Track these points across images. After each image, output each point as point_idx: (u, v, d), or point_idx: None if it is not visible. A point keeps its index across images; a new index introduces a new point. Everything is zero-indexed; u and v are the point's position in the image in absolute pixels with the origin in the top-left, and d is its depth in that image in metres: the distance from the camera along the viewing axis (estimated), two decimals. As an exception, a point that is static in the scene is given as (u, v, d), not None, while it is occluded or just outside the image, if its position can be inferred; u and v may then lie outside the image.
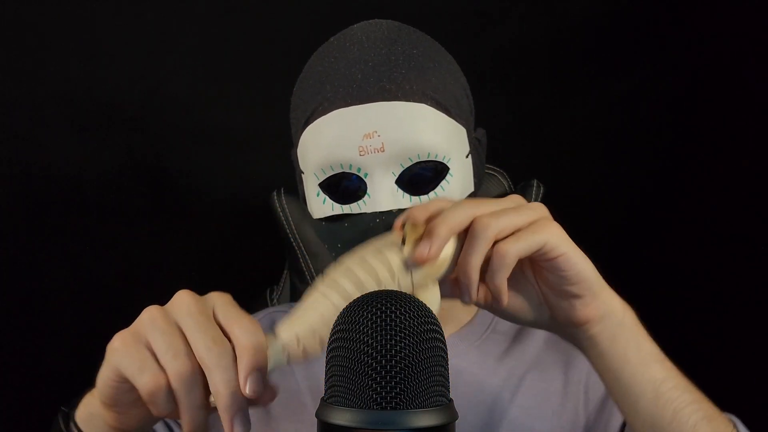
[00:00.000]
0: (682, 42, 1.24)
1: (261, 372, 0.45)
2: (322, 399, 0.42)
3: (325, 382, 0.43)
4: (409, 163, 0.65)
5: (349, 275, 0.50)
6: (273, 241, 1.05)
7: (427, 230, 0.50)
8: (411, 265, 0.50)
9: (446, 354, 0.43)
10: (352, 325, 0.41)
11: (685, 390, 0.55)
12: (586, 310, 0.54)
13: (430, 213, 0.51)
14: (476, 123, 0.75)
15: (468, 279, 0.50)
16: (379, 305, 0.41)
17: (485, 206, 0.51)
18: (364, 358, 0.40)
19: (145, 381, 0.45)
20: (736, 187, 1.21)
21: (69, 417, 0.56)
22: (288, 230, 1.01)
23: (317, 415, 0.41)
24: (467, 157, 0.70)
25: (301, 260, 1.01)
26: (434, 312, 0.50)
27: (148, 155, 1.21)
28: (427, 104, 0.65)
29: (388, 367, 0.39)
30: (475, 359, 0.76)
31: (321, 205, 0.67)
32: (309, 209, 0.71)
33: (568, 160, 1.29)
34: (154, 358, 0.46)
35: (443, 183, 0.66)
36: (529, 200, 1.00)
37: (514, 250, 0.49)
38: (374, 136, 0.63)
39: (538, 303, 0.56)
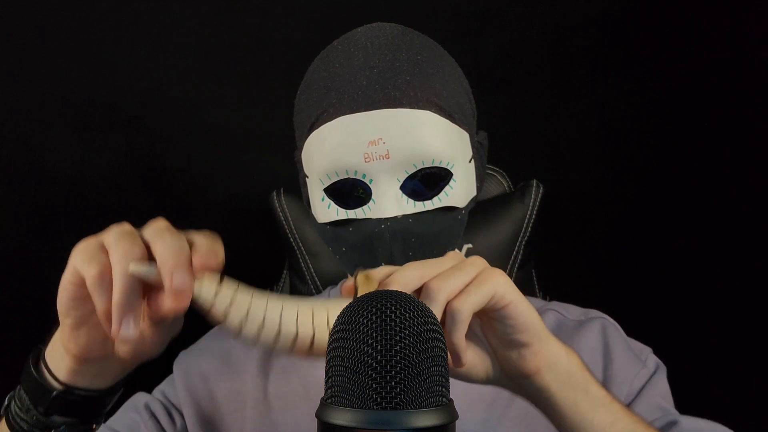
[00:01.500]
0: (682, 41, 1.25)
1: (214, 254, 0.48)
2: (322, 399, 0.42)
3: (325, 382, 0.43)
4: (414, 170, 0.65)
5: (294, 305, 0.50)
6: (273, 241, 1.05)
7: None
8: None
9: (446, 354, 0.43)
10: (352, 325, 0.41)
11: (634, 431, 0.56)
12: (535, 360, 0.54)
13: (382, 275, 0.52)
14: (477, 125, 0.75)
15: None
16: (379, 305, 0.41)
17: (431, 268, 0.51)
18: (364, 358, 0.40)
19: (92, 269, 0.48)
20: (736, 186, 1.22)
21: (40, 353, 0.57)
22: (288, 230, 1.01)
23: (317, 415, 0.41)
24: (470, 161, 0.70)
25: (300, 260, 1.01)
26: None
27: (148, 155, 1.21)
28: (431, 111, 0.66)
29: (388, 367, 0.39)
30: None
31: (326, 210, 0.68)
32: (313, 213, 0.71)
33: (568, 160, 1.30)
34: (105, 254, 0.48)
35: (447, 188, 0.67)
36: (528, 201, 1.00)
37: (467, 306, 0.49)
38: (379, 143, 0.64)
39: (489, 359, 0.56)
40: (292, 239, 1.01)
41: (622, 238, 1.32)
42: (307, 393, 0.75)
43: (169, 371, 0.79)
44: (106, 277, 0.47)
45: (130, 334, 0.47)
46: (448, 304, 0.50)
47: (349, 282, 0.52)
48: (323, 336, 0.49)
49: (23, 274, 1.19)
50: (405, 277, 0.50)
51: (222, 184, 1.24)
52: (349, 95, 0.65)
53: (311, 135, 0.67)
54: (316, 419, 0.41)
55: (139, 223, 1.29)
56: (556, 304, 0.82)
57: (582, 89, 1.27)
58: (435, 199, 0.67)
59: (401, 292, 0.44)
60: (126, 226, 0.50)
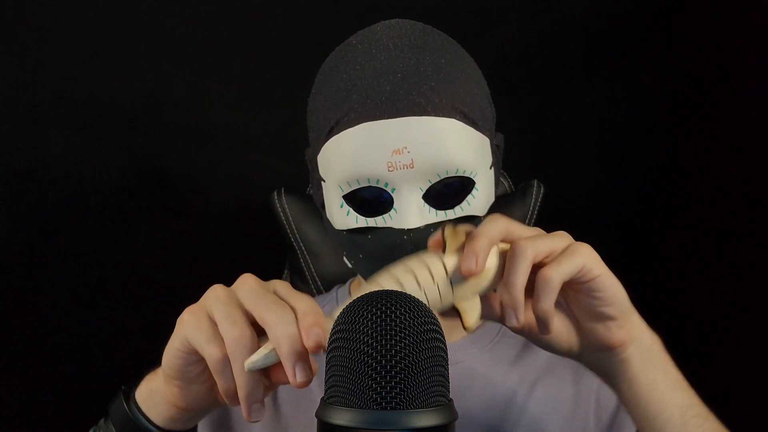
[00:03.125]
0: (682, 42, 1.24)
1: (321, 328, 0.47)
2: (322, 399, 0.42)
3: (325, 382, 0.43)
4: (437, 179, 0.64)
5: (392, 279, 0.52)
6: (273, 241, 1.05)
7: (468, 243, 0.51)
8: (456, 277, 0.52)
9: (446, 354, 0.43)
10: (352, 325, 0.41)
11: (707, 418, 0.56)
12: (620, 333, 0.55)
13: (467, 227, 0.53)
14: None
15: (514, 300, 0.51)
16: (379, 305, 0.41)
17: (517, 226, 0.53)
18: (364, 358, 0.40)
19: (212, 351, 0.48)
20: (736, 186, 1.21)
21: (129, 395, 0.58)
22: (288, 230, 1.01)
23: (317, 415, 0.41)
24: (490, 168, 0.70)
25: (301, 260, 1.01)
26: (474, 325, 0.52)
27: (148, 155, 1.21)
28: (455, 119, 0.64)
29: (388, 367, 0.39)
30: (488, 362, 0.76)
31: (344, 217, 0.67)
32: (329, 217, 0.70)
33: (568, 160, 1.29)
34: (218, 331, 0.49)
35: (469, 197, 0.67)
36: (529, 201, 1.00)
37: (558, 274, 0.50)
38: (404, 152, 0.63)
39: (572, 330, 0.57)
40: (292, 239, 1.01)
41: (622, 238, 1.32)
42: (318, 391, 0.75)
43: None
44: (226, 361, 0.49)
45: (260, 417, 0.50)
46: (539, 271, 0.51)
47: (437, 236, 0.53)
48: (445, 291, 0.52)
49: (23, 274, 1.19)
50: (492, 228, 0.51)
51: (222, 184, 1.24)
52: (372, 100, 0.63)
53: (330, 139, 0.65)
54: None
55: (138, 223, 1.29)
56: None
57: (582, 89, 1.27)
58: (457, 208, 0.66)
59: (401, 292, 0.44)
60: (223, 295, 0.51)
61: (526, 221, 1.00)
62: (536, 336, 0.56)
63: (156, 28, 1.16)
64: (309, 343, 0.46)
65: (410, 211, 0.64)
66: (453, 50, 0.69)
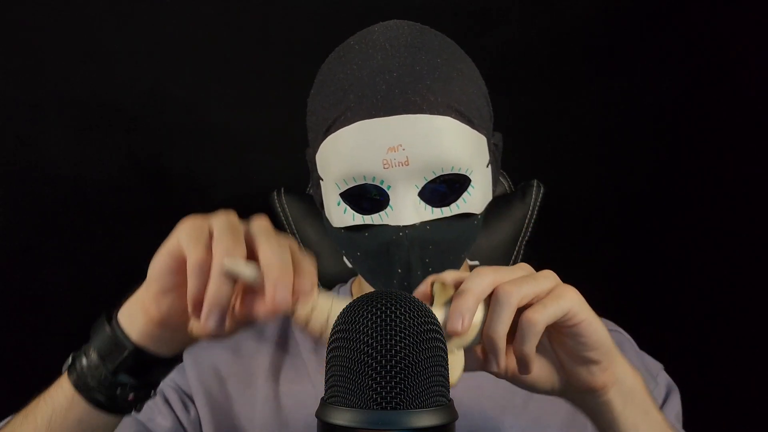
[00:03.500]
0: (681, 42, 1.24)
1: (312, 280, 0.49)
2: (322, 399, 0.42)
3: (325, 382, 0.43)
4: (433, 177, 0.65)
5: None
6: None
7: (455, 300, 0.50)
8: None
9: (446, 354, 0.43)
10: (352, 325, 0.41)
11: None
12: (603, 376, 0.54)
13: (455, 278, 0.52)
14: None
15: (495, 347, 0.51)
16: (379, 305, 0.41)
17: (504, 274, 0.52)
18: (364, 358, 0.40)
19: (196, 252, 0.49)
20: (736, 186, 1.21)
21: (111, 315, 0.58)
22: (288, 230, 1.01)
23: (317, 415, 0.41)
24: (487, 166, 0.70)
25: (301, 260, 1.01)
26: (456, 381, 0.51)
27: (148, 155, 1.21)
28: (451, 117, 0.65)
29: (388, 367, 0.39)
30: None
31: (342, 215, 0.67)
32: (327, 216, 0.71)
33: (568, 160, 1.29)
34: (210, 239, 0.49)
35: (465, 195, 0.67)
36: (529, 200, 1.00)
37: (542, 318, 0.50)
38: (399, 150, 0.63)
39: (555, 370, 0.56)
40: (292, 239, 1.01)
41: (622, 238, 1.32)
42: (318, 394, 0.75)
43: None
44: (206, 264, 0.48)
45: (214, 328, 0.48)
46: (523, 314, 0.50)
47: (423, 288, 0.53)
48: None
49: (23, 274, 1.19)
50: (479, 284, 0.50)
51: (223, 184, 1.24)
52: (368, 99, 0.64)
53: (327, 138, 0.66)
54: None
55: (138, 223, 1.29)
56: None
57: (582, 89, 1.27)
58: (453, 205, 0.66)
59: (401, 292, 0.44)
60: (233, 218, 0.51)
61: (526, 221, 1.00)
62: (517, 377, 0.55)
63: (156, 28, 1.16)
64: (297, 283, 0.48)
65: (406, 209, 0.65)
66: (450, 50, 0.69)
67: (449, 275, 0.52)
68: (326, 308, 0.50)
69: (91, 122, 1.17)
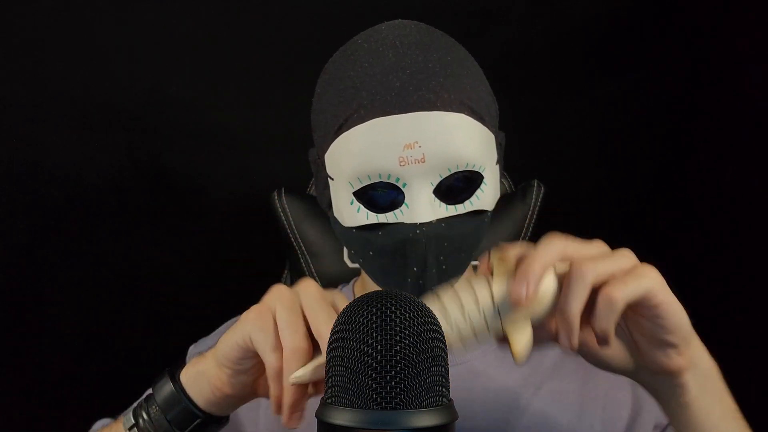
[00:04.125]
0: (681, 42, 1.24)
1: None
2: (322, 399, 0.42)
3: (325, 382, 0.42)
4: (448, 174, 0.64)
5: (437, 302, 0.51)
6: (273, 241, 1.05)
7: (520, 267, 0.50)
8: (505, 304, 0.51)
9: (446, 354, 0.43)
10: (352, 325, 0.41)
11: None
12: (679, 359, 0.53)
13: (518, 251, 0.52)
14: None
15: (570, 325, 0.50)
16: (378, 305, 0.41)
17: (576, 246, 0.51)
18: (364, 358, 0.40)
19: (272, 359, 0.52)
20: (736, 186, 1.21)
21: (174, 375, 0.60)
22: (288, 230, 1.01)
23: (317, 415, 0.41)
24: (497, 163, 0.70)
25: (301, 260, 1.01)
26: (523, 353, 0.50)
27: (148, 155, 1.21)
28: (464, 113, 0.65)
29: (388, 367, 0.39)
30: (493, 362, 0.76)
31: (355, 214, 0.67)
32: (337, 216, 0.70)
33: (569, 160, 1.29)
34: (276, 333, 0.52)
35: (478, 192, 0.67)
36: (529, 200, 1.00)
37: (622, 296, 0.49)
38: (415, 147, 0.63)
39: (628, 350, 0.56)
40: (292, 239, 1.01)
41: (622, 238, 1.32)
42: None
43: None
44: (281, 370, 0.52)
45: (295, 426, 0.52)
46: (602, 290, 0.49)
47: (484, 262, 0.53)
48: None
49: (23, 274, 1.19)
50: (547, 251, 0.50)
51: (222, 184, 1.24)
52: (381, 96, 0.63)
53: (339, 137, 0.66)
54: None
55: (138, 223, 1.29)
56: None
57: (583, 89, 1.27)
58: (467, 202, 0.66)
59: (401, 292, 0.44)
60: (287, 298, 0.53)
61: (526, 221, 1.00)
62: (591, 353, 0.55)
63: (156, 28, 1.16)
64: None
65: (422, 206, 0.64)
66: (457, 48, 0.69)
67: (510, 248, 0.52)
68: (441, 305, 0.51)
69: (91, 122, 1.17)
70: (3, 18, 1.11)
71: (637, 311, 0.51)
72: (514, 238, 0.99)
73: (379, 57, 0.65)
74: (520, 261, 0.51)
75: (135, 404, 0.60)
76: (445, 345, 0.43)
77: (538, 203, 1.00)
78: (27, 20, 1.12)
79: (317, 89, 0.71)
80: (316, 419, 0.42)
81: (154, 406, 0.58)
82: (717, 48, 1.22)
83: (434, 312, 0.48)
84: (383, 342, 0.40)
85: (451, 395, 0.43)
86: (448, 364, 0.43)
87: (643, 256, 0.50)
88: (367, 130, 0.64)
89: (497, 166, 0.70)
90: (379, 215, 0.66)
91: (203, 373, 0.57)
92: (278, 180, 1.03)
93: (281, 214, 1.01)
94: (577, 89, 1.27)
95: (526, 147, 1.24)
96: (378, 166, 0.64)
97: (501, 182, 1.06)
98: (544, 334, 0.53)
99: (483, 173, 0.66)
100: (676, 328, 0.51)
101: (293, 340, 0.51)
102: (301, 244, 1.01)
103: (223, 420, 0.60)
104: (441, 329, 0.44)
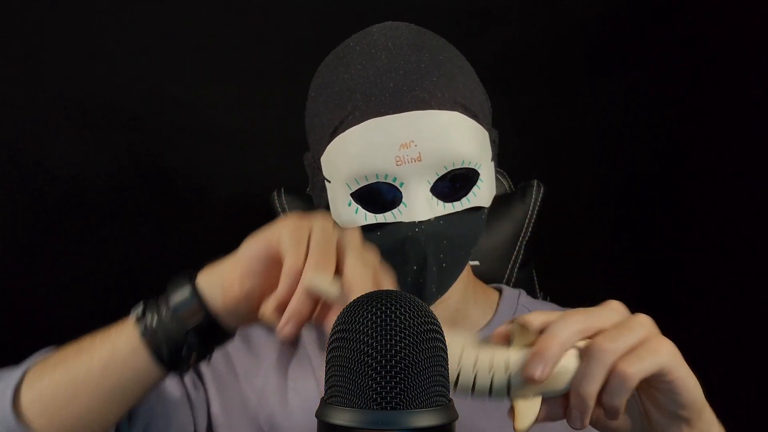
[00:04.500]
0: (681, 42, 1.24)
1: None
2: (322, 399, 0.42)
3: (325, 382, 0.43)
4: (444, 171, 0.65)
5: (457, 342, 0.50)
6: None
7: (539, 344, 0.49)
8: (517, 377, 0.49)
9: (446, 354, 0.43)
10: (351, 325, 0.41)
11: None
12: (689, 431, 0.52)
13: (541, 322, 0.50)
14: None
15: (584, 406, 0.49)
16: (378, 305, 0.41)
17: (595, 319, 0.50)
18: (364, 358, 0.40)
19: (295, 258, 0.52)
20: (736, 186, 1.21)
21: (192, 276, 0.61)
22: (288, 230, 1.01)
23: (317, 415, 0.41)
24: (492, 160, 0.71)
25: (301, 260, 1.01)
26: (525, 429, 0.49)
27: (148, 155, 1.21)
28: (458, 112, 0.65)
29: (388, 367, 0.39)
30: (478, 413, 0.75)
31: (353, 215, 0.67)
32: (336, 218, 0.70)
33: (568, 160, 1.29)
34: (307, 246, 0.52)
35: (474, 189, 0.67)
36: (529, 200, 1.00)
37: (637, 373, 0.48)
38: (411, 146, 0.63)
39: (639, 420, 0.54)
40: (292, 239, 1.01)
41: (622, 238, 1.32)
42: (321, 392, 0.75)
43: None
44: (299, 272, 0.52)
45: (288, 335, 0.52)
46: (617, 366, 0.48)
47: (502, 329, 0.52)
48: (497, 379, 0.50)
49: (23, 274, 1.19)
50: (567, 330, 0.49)
51: (222, 184, 1.24)
52: (376, 97, 0.64)
53: (335, 139, 0.66)
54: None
55: (138, 223, 1.29)
56: None
57: (582, 89, 1.27)
58: (464, 200, 0.67)
59: (401, 291, 0.44)
60: (329, 226, 0.54)
61: (526, 221, 1.00)
62: (600, 423, 0.54)
63: (156, 28, 1.16)
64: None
65: (420, 204, 0.65)
66: (448, 48, 0.70)
67: (535, 318, 0.50)
68: (457, 349, 0.49)
69: (91, 122, 1.17)
70: (3, 18, 1.11)
71: (651, 384, 0.50)
72: (514, 238, 0.99)
73: (371, 59, 0.66)
74: (541, 333, 0.49)
75: (141, 304, 0.62)
76: (445, 345, 0.43)
77: (538, 203, 1.00)
78: (27, 20, 1.12)
79: (311, 93, 0.72)
80: (316, 419, 0.42)
81: (164, 297, 0.60)
82: (717, 48, 1.22)
83: (452, 345, 0.47)
84: (383, 342, 0.40)
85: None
86: (448, 364, 0.44)
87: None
88: (362, 131, 0.64)
89: (492, 163, 0.71)
90: (377, 215, 0.66)
91: (217, 272, 0.59)
92: (278, 180, 1.03)
93: (281, 214, 1.01)
94: (576, 89, 1.27)
95: (525, 147, 1.24)
96: (375, 166, 0.64)
97: (501, 182, 1.07)
98: (554, 408, 0.52)
99: (479, 170, 0.67)
100: (690, 403, 0.50)
101: (321, 253, 0.51)
102: (301, 244, 1.01)
103: (221, 335, 0.59)
104: (441, 329, 0.44)
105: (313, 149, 0.72)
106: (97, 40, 1.15)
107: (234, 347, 0.78)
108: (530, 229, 0.99)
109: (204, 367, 0.76)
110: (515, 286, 0.92)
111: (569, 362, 0.49)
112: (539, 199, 1.00)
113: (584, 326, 0.50)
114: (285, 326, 0.51)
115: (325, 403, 0.41)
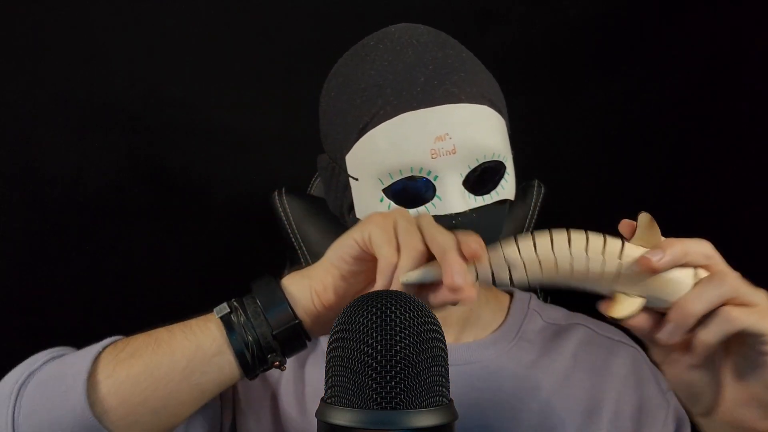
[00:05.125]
0: (683, 41, 1.24)
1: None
2: (322, 399, 0.42)
3: (325, 382, 0.43)
4: (476, 164, 0.66)
5: (563, 235, 0.52)
6: (274, 241, 1.05)
7: (664, 241, 0.50)
8: (629, 268, 0.50)
9: (446, 354, 0.43)
10: (352, 325, 0.41)
11: None
12: (764, 423, 0.51)
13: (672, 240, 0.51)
14: None
15: (683, 322, 0.49)
16: (379, 305, 0.41)
17: (724, 263, 0.51)
18: (364, 358, 0.40)
19: (388, 252, 0.52)
20: (737, 186, 1.21)
21: (275, 278, 0.60)
22: (289, 230, 1.01)
23: (317, 415, 0.41)
24: (511, 154, 0.72)
25: (302, 260, 1.01)
26: (620, 316, 0.49)
27: (148, 155, 1.21)
28: (486, 105, 0.67)
29: (388, 367, 0.39)
30: (506, 364, 0.76)
31: (386, 211, 0.67)
32: (362, 217, 0.69)
33: (569, 160, 1.29)
34: (396, 241, 0.53)
35: (502, 182, 0.69)
36: (529, 201, 1.00)
37: (742, 322, 0.47)
38: (446, 139, 0.64)
39: (711, 387, 0.53)
40: (293, 239, 1.01)
41: (622, 238, 1.32)
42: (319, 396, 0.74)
43: None
44: (395, 267, 0.52)
45: None
46: (726, 307, 0.48)
47: (628, 222, 0.53)
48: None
49: (23, 274, 1.19)
50: (696, 246, 0.51)
51: (222, 184, 1.23)
52: (407, 92, 0.65)
53: (365, 135, 0.66)
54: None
55: (138, 223, 1.29)
56: (582, 318, 0.81)
57: (583, 89, 1.27)
58: (493, 192, 0.68)
59: (401, 292, 0.44)
60: (410, 217, 0.55)
61: (527, 221, 1.00)
62: (674, 368, 0.53)
63: (156, 28, 1.16)
64: (467, 251, 0.50)
65: (454, 197, 0.65)
66: (465, 48, 0.72)
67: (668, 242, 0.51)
68: (562, 236, 0.51)
69: (91, 122, 1.17)
70: (3, 18, 1.11)
71: (747, 346, 0.49)
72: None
73: (398, 55, 0.67)
74: (667, 240, 0.50)
75: (232, 302, 0.59)
76: (445, 345, 0.43)
77: (538, 203, 1.00)
78: (27, 20, 1.12)
79: (329, 94, 0.71)
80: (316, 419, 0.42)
81: (252, 300, 0.58)
82: (717, 48, 1.22)
83: (556, 236, 0.50)
84: (383, 342, 0.40)
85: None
86: (448, 364, 0.43)
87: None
88: (395, 125, 0.65)
89: (511, 155, 0.72)
90: (411, 210, 0.66)
91: (307, 278, 0.57)
92: (278, 180, 1.03)
93: (282, 214, 1.01)
94: (577, 89, 1.27)
95: (526, 147, 1.24)
96: (409, 159, 0.65)
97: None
98: (643, 322, 0.51)
99: (505, 163, 0.69)
100: None
101: (412, 241, 0.52)
102: (302, 244, 1.01)
103: (304, 342, 0.58)
104: (441, 329, 0.44)
105: (333, 149, 0.71)
106: (96, 40, 1.15)
107: None
108: (531, 229, 0.99)
109: None
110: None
111: (684, 277, 0.49)
112: (539, 199, 1.00)
113: (714, 255, 0.51)
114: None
115: (325, 403, 0.41)
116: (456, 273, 0.49)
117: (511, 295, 0.84)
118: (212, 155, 1.22)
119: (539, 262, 0.51)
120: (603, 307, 0.51)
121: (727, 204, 1.22)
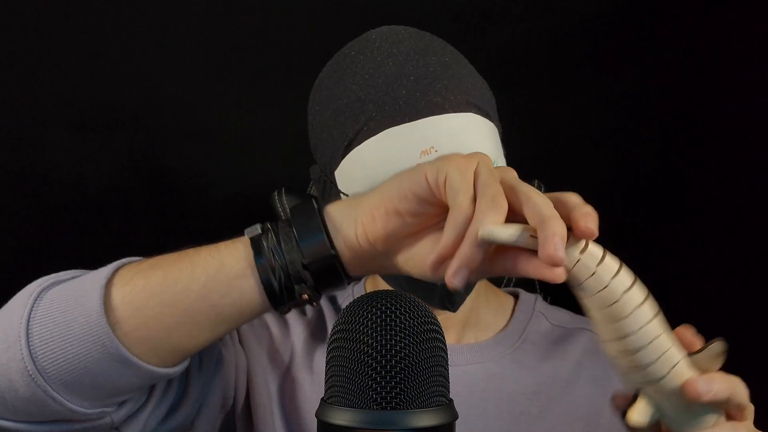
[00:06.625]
0: (683, 41, 1.24)
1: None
2: (322, 399, 0.42)
3: (325, 382, 0.43)
4: None
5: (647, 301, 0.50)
6: (273, 241, 1.05)
7: (717, 375, 0.48)
8: (669, 385, 0.47)
9: (446, 354, 0.43)
10: (352, 325, 0.41)
11: None
12: None
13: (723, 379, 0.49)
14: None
15: None
16: (379, 305, 0.41)
17: (746, 399, 0.50)
18: (364, 358, 0.40)
19: (465, 201, 0.45)
20: (737, 186, 1.21)
21: (319, 205, 0.53)
22: (288, 230, 1.01)
23: (317, 415, 0.41)
24: (504, 156, 0.71)
25: (301, 260, 1.01)
26: (630, 421, 0.47)
27: (148, 155, 1.21)
28: (472, 112, 0.65)
29: (388, 367, 0.39)
30: (508, 366, 0.76)
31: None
32: None
33: (569, 159, 1.29)
34: (475, 190, 0.46)
35: None
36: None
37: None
38: (431, 152, 0.63)
39: None
40: (292, 239, 1.01)
41: (622, 238, 1.32)
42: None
43: None
44: (469, 220, 0.45)
45: (456, 286, 0.45)
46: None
47: (689, 332, 0.51)
48: None
49: (23, 275, 1.19)
50: (742, 392, 0.50)
51: (222, 184, 1.23)
52: (389, 106, 0.63)
53: (351, 152, 0.65)
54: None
55: (138, 223, 1.29)
56: (588, 322, 0.81)
57: (583, 89, 1.27)
58: None
59: (401, 291, 0.44)
60: (493, 166, 0.48)
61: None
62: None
63: (156, 28, 1.16)
64: (580, 225, 0.46)
65: None
66: (450, 49, 0.70)
67: (722, 378, 0.49)
68: (598, 255, 0.47)
69: (91, 122, 1.17)
70: (3, 18, 1.11)
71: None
72: (514, 238, 0.99)
73: (378, 66, 0.65)
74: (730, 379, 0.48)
75: (261, 225, 0.55)
76: (445, 345, 0.43)
77: (539, 203, 1.00)
78: (27, 20, 1.12)
79: (315, 107, 0.71)
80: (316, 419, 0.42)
81: (286, 223, 0.52)
82: (717, 48, 1.22)
83: (639, 290, 0.47)
84: (383, 342, 0.40)
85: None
86: (448, 364, 0.44)
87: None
88: (379, 141, 0.63)
89: (504, 159, 0.71)
90: None
91: (354, 207, 0.51)
92: (278, 180, 1.03)
93: (281, 214, 1.01)
94: (576, 89, 1.27)
95: (526, 147, 1.24)
96: None
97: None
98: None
99: None
100: None
101: (493, 192, 0.45)
102: (301, 244, 1.01)
103: (341, 278, 0.51)
104: (441, 329, 0.44)
105: (322, 163, 0.71)
106: (97, 40, 1.15)
107: (268, 316, 0.75)
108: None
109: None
110: (515, 286, 0.92)
111: (710, 416, 0.48)
112: (539, 199, 1.00)
113: (748, 407, 0.52)
114: (455, 276, 0.44)
115: (325, 403, 0.41)
116: (559, 245, 0.42)
117: (516, 296, 0.83)
118: (212, 155, 1.22)
119: (607, 296, 0.47)
120: (619, 402, 0.49)
121: (729, 204, 1.22)
